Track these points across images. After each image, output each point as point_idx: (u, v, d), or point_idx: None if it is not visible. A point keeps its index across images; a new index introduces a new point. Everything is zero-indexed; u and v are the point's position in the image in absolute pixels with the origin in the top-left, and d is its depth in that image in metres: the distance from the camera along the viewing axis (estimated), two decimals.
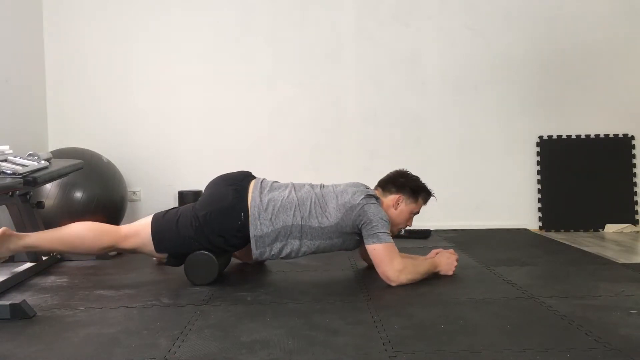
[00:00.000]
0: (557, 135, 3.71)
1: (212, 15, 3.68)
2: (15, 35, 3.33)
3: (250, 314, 1.87)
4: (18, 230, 2.35)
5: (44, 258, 2.62)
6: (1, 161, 2.18)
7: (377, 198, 2.29)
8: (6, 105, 3.15)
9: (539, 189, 3.71)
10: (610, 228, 3.61)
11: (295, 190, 2.29)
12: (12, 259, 2.52)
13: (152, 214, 2.30)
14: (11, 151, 2.34)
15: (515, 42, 3.70)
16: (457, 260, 2.38)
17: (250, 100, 3.70)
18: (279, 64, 3.70)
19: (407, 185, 2.38)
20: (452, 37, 3.70)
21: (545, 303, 1.94)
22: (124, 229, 2.27)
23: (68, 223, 2.29)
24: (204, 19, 3.68)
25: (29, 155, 2.37)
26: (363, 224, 2.20)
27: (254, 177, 2.37)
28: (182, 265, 2.28)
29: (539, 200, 3.70)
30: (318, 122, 3.71)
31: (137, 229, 2.26)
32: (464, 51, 3.70)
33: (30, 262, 2.52)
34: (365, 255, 2.51)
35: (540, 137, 3.71)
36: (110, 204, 3.12)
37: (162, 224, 2.24)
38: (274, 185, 2.32)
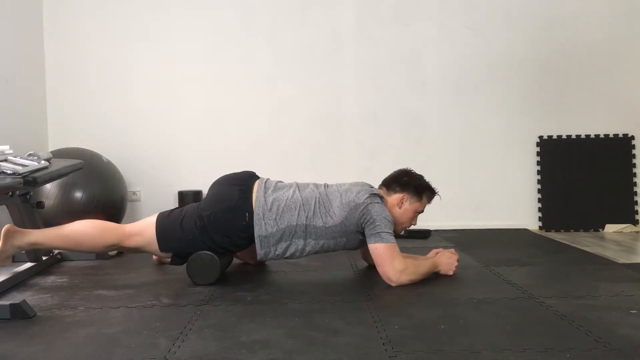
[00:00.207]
0: (557, 135, 3.71)
1: (212, 15, 3.68)
2: (15, 35, 3.33)
3: (250, 314, 1.87)
4: None
5: (44, 258, 2.62)
6: (1, 161, 2.18)
7: (381, 197, 2.29)
8: (6, 105, 3.15)
9: (539, 189, 3.71)
10: (610, 228, 3.61)
11: (299, 190, 2.29)
12: (13, 259, 2.52)
13: (157, 213, 2.30)
14: (11, 151, 2.34)
15: (515, 42, 3.70)
16: (457, 261, 2.38)
17: (250, 100, 3.70)
18: (279, 64, 3.70)
19: (411, 184, 2.38)
20: (452, 37, 3.70)
21: (545, 303, 1.94)
22: (128, 227, 2.27)
23: (68, 223, 2.29)
24: (204, 19, 3.68)
25: (29, 155, 2.37)
26: (366, 222, 2.20)
27: (258, 177, 2.37)
28: (184, 265, 2.29)
29: (539, 200, 3.70)
30: (318, 122, 3.71)
31: (142, 228, 2.26)
32: (464, 51, 3.70)
33: (31, 262, 2.52)
34: (366, 255, 2.51)
35: (540, 137, 3.71)
36: (110, 204, 3.12)
37: (166, 223, 2.24)
38: (278, 185, 2.32)
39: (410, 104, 3.72)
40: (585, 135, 3.70)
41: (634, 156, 3.67)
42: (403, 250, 2.28)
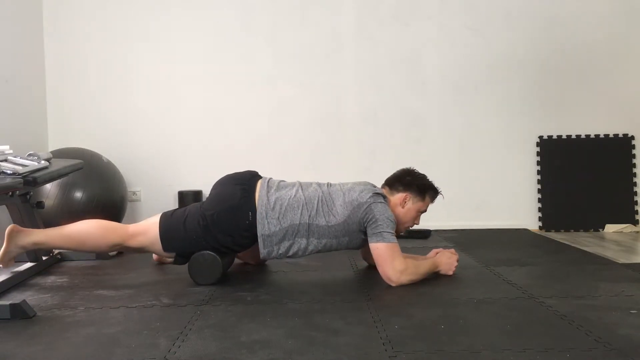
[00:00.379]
0: (557, 135, 3.71)
1: (212, 15, 3.68)
2: (15, 35, 3.33)
3: (250, 314, 1.87)
4: None
5: (44, 258, 2.62)
6: (1, 161, 2.17)
7: (384, 197, 2.29)
8: (6, 105, 3.14)
9: (539, 189, 3.71)
10: (610, 228, 3.61)
11: (302, 189, 2.29)
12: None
13: (160, 213, 2.30)
14: (11, 151, 2.34)
15: (515, 42, 3.70)
16: (457, 261, 2.38)
17: (250, 100, 3.70)
18: (279, 64, 3.70)
19: (414, 184, 2.38)
20: (452, 37, 3.70)
21: (545, 303, 1.94)
22: (132, 227, 2.28)
23: (68, 223, 2.30)
24: (204, 19, 3.68)
25: (29, 155, 2.37)
26: (369, 222, 2.20)
27: (260, 177, 2.37)
28: (184, 265, 2.29)
29: (539, 200, 3.70)
30: (318, 122, 3.71)
31: (145, 228, 2.26)
32: (464, 51, 3.70)
33: (31, 262, 2.52)
34: (366, 255, 2.51)
35: (540, 137, 3.71)
36: (110, 204, 3.12)
37: (169, 223, 2.24)
38: (281, 185, 2.32)
39: (410, 104, 3.72)
40: (585, 135, 3.70)
41: (634, 156, 3.67)
42: (403, 250, 2.28)
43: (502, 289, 2.15)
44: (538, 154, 3.71)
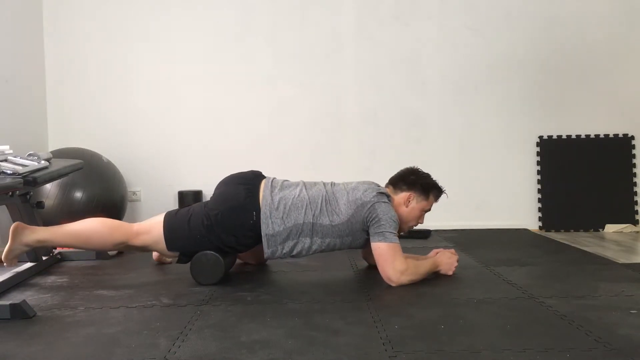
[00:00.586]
0: (557, 135, 3.71)
1: (212, 15, 3.68)
2: (15, 35, 3.33)
3: (250, 314, 1.87)
4: None
5: (44, 258, 2.62)
6: (1, 161, 2.17)
7: (388, 196, 2.30)
8: (6, 105, 3.14)
9: (539, 189, 3.71)
10: (610, 228, 3.61)
11: (306, 189, 2.29)
12: None
13: (165, 212, 2.30)
14: (11, 151, 2.33)
15: (515, 42, 3.70)
16: (457, 261, 2.38)
17: (250, 100, 3.70)
18: (279, 64, 3.70)
19: (418, 183, 2.38)
20: (452, 37, 3.70)
21: (545, 303, 1.94)
22: (136, 226, 2.28)
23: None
24: (204, 19, 3.68)
25: (29, 155, 2.37)
26: (371, 221, 2.20)
27: (264, 177, 2.37)
28: (184, 265, 2.29)
29: (539, 200, 3.70)
30: (318, 122, 3.71)
31: (150, 227, 2.26)
32: (464, 51, 3.70)
33: (31, 262, 2.52)
34: (367, 255, 2.51)
35: (540, 137, 3.71)
36: (110, 204, 3.12)
37: (174, 222, 2.24)
38: (285, 184, 2.33)
39: (410, 104, 3.72)
40: (585, 135, 3.70)
41: (634, 156, 3.67)
42: (403, 250, 2.28)
43: (502, 289, 2.15)
44: (538, 154, 3.71)
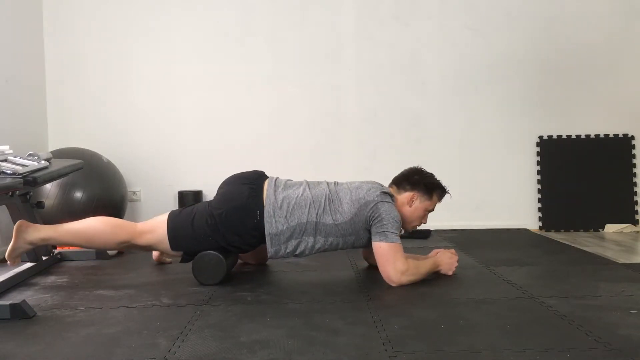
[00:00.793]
0: (557, 135, 3.71)
1: (212, 15, 3.68)
2: (15, 35, 3.33)
3: (250, 314, 1.87)
4: None
5: (44, 258, 2.62)
6: (1, 161, 2.17)
7: (391, 196, 2.30)
8: (6, 105, 3.14)
9: (539, 189, 3.71)
10: (610, 228, 3.61)
11: (309, 188, 2.29)
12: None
13: (168, 212, 2.30)
14: (11, 151, 2.34)
15: (515, 42, 3.70)
16: (457, 261, 2.38)
17: (250, 101, 3.70)
18: (279, 64, 3.70)
19: (421, 182, 2.38)
20: (452, 37, 3.70)
21: (545, 303, 1.94)
22: (140, 225, 2.28)
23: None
24: (204, 19, 3.68)
25: (29, 155, 2.37)
26: (374, 220, 2.20)
27: (267, 177, 2.38)
28: (184, 265, 2.28)
29: (539, 200, 3.70)
30: (318, 122, 3.71)
31: (154, 226, 2.26)
32: (464, 51, 3.70)
33: (31, 262, 2.52)
34: (368, 255, 2.51)
35: (540, 137, 3.71)
36: (110, 204, 3.12)
37: (177, 221, 2.25)
38: (288, 184, 2.33)
39: (410, 104, 3.72)
40: (585, 135, 3.70)
41: (634, 156, 3.67)
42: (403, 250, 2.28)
43: (502, 289, 2.15)
44: (538, 154, 3.71)
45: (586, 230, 3.64)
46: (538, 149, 3.71)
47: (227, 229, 2.21)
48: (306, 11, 3.69)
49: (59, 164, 2.52)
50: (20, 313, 1.83)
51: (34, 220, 2.47)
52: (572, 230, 3.64)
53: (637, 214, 3.65)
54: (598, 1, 3.68)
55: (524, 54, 3.70)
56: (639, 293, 2.06)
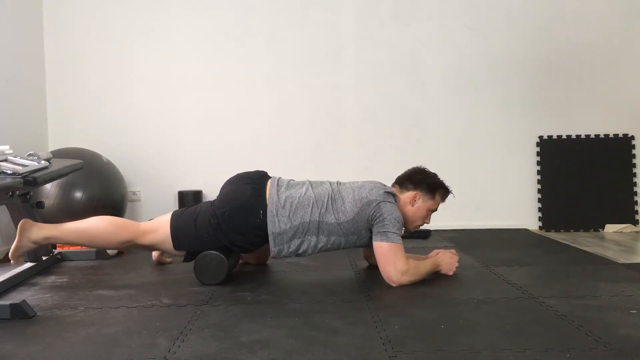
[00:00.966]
0: (557, 135, 3.71)
1: (212, 15, 3.68)
2: (15, 35, 3.33)
3: (250, 314, 1.87)
4: None
5: (44, 258, 2.62)
6: (1, 161, 2.18)
7: (394, 196, 2.30)
8: (6, 105, 3.14)
9: (539, 189, 3.71)
10: (610, 228, 3.61)
11: (312, 187, 2.30)
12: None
13: (172, 211, 2.30)
14: (11, 151, 2.34)
15: (515, 42, 3.70)
16: (457, 261, 2.38)
17: (250, 100, 3.70)
18: (279, 64, 3.70)
19: (424, 182, 2.38)
20: (452, 37, 3.70)
21: (545, 303, 1.94)
22: (143, 224, 2.28)
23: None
24: (204, 19, 3.68)
25: (29, 155, 2.37)
26: (376, 220, 2.21)
27: (269, 177, 2.38)
28: (184, 265, 2.28)
29: (539, 200, 3.70)
30: (318, 122, 3.71)
31: (157, 226, 2.26)
32: (464, 51, 3.70)
33: (31, 262, 2.52)
34: (368, 255, 2.51)
35: (540, 137, 3.71)
36: (110, 204, 3.12)
37: (180, 221, 2.25)
38: (291, 183, 2.33)
39: (410, 104, 3.72)
40: (585, 135, 3.70)
41: (634, 156, 3.67)
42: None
43: (502, 289, 2.15)
44: (538, 154, 3.71)
45: (586, 230, 3.64)
46: (538, 149, 3.71)
47: (230, 229, 2.21)
48: (306, 11, 3.69)
49: (59, 164, 2.52)
50: (20, 313, 1.83)
51: (35, 220, 2.47)
52: (572, 230, 3.64)
53: (637, 214, 3.65)
54: (598, 1, 3.68)
55: (524, 54, 3.70)
56: (639, 293, 2.06)
